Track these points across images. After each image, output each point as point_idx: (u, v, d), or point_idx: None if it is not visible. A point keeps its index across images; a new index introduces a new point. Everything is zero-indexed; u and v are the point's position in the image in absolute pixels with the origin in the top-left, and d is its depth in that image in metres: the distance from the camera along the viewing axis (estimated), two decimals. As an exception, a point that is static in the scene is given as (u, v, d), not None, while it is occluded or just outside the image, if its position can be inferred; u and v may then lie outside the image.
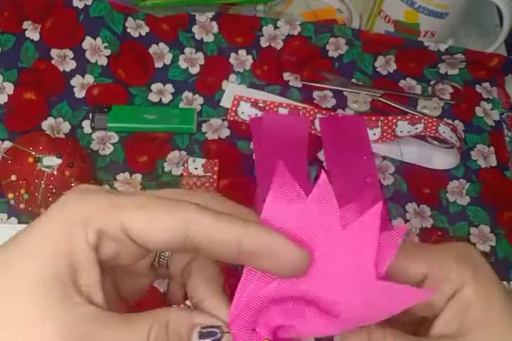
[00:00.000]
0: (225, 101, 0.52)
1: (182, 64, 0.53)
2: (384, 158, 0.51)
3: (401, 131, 0.51)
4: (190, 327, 0.21)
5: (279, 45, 0.55)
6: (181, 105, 0.52)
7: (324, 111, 0.53)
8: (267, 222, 0.21)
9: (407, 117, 0.51)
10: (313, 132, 0.52)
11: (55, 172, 0.43)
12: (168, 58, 0.53)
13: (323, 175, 0.22)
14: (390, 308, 0.21)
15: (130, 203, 0.20)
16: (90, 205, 0.20)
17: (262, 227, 0.20)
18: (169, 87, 0.52)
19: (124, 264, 0.22)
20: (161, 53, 0.53)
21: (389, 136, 0.51)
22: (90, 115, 0.49)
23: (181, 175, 0.48)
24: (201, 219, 0.20)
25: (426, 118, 0.51)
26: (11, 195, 0.43)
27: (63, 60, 0.51)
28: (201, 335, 0.20)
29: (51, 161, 0.44)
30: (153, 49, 0.53)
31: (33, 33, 0.51)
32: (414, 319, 0.26)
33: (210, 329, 0.21)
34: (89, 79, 0.51)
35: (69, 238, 0.20)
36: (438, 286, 0.23)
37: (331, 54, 0.56)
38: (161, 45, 0.54)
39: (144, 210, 0.20)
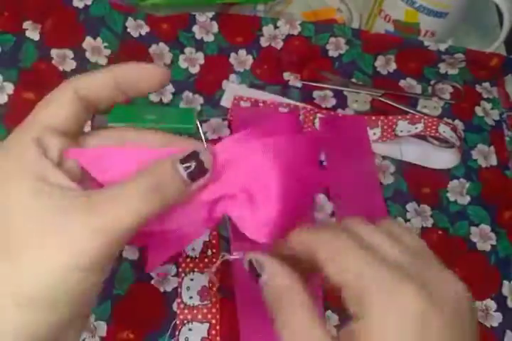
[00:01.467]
0: (225, 101, 0.52)
1: (182, 64, 0.53)
2: (384, 157, 0.51)
3: (401, 131, 0.51)
4: (172, 163, 0.25)
5: (279, 44, 0.55)
6: (181, 105, 0.52)
7: (324, 111, 0.53)
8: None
9: (407, 117, 0.52)
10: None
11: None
12: (168, 58, 0.53)
13: None
14: None
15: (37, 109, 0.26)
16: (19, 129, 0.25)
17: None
18: (169, 87, 0.52)
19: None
20: (161, 53, 0.53)
21: (389, 135, 0.51)
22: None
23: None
24: (82, 82, 0.27)
25: (426, 117, 0.51)
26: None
27: (63, 60, 0.51)
28: (183, 162, 0.25)
29: (51, 161, 0.44)
30: (153, 49, 0.53)
31: (33, 33, 0.51)
32: None
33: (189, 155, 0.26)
34: (90, 79, 0.51)
35: (25, 157, 0.24)
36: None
37: (331, 54, 0.56)
38: (161, 44, 0.54)
39: (48, 106, 0.26)
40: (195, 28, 0.54)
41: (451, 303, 0.23)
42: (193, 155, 0.25)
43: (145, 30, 0.53)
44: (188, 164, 0.25)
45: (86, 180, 0.25)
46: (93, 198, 0.23)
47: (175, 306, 0.42)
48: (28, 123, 0.25)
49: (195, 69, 0.53)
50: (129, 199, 0.23)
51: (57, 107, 0.26)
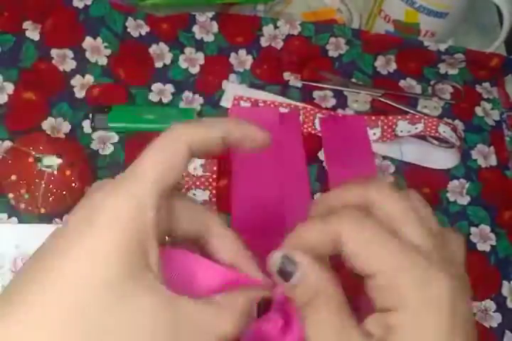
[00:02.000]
0: (225, 101, 0.52)
1: (182, 64, 0.53)
2: (384, 157, 0.51)
3: (401, 131, 0.51)
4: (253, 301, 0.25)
5: (279, 44, 0.55)
6: (181, 105, 0.52)
7: (324, 111, 0.53)
8: None
9: (407, 117, 0.52)
10: (313, 132, 0.52)
11: (55, 172, 0.43)
12: (168, 58, 0.53)
13: None
14: None
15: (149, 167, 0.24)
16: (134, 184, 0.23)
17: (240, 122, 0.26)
18: (169, 87, 0.52)
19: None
20: (161, 53, 0.53)
21: (389, 135, 0.51)
22: (90, 115, 0.49)
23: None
24: (195, 136, 0.25)
25: (426, 117, 0.51)
26: (11, 195, 0.43)
27: (63, 59, 0.51)
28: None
29: (51, 161, 0.44)
30: (153, 49, 0.53)
31: (33, 33, 0.51)
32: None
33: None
34: (90, 79, 0.51)
35: (140, 216, 0.22)
36: None
37: (331, 54, 0.56)
38: (161, 44, 0.54)
39: (161, 162, 0.24)
40: (195, 28, 0.54)
41: (467, 283, 0.25)
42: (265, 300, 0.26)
43: (145, 30, 0.53)
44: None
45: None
46: (181, 317, 0.21)
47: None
48: (142, 184, 0.23)
49: (195, 70, 0.53)
50: (224, 324, 0.23)
51: (173, 170, 0.24)
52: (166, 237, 0.26)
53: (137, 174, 0.23)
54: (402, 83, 0.56)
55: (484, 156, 0.52)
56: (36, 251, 0.22)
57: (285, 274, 0.25)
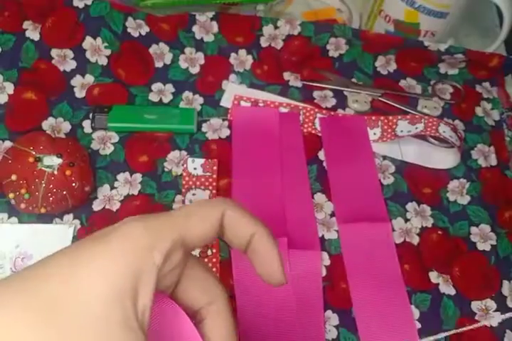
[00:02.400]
0: (225, 101, 0.52)
1: (182, 64, 0.53)
2: (384, 157, 0.51)
3: (401, 131, 0.51)
4: None
5: (279, 44, 0.55)
6: (181, 105, 0.52)
7: (324, 111, 0.53)
8: None
9: (408, 117, 0.52)
10: (313, 132, 0.52)
11: (55, 172, 0.43)
12: (168, 58, 0.53)
13: None
14: None
15: (181, 218, 0.23)
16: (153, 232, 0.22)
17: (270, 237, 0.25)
18: (169, 87, 0.52)
19: None
20: (161, 53, 0.53)
21: (389, 135, 0.51)
22: (90, 115, 0.49)
23: (181, 175, 0.48)
24: (233, 214, 0.24)
25: (426, 117, 0.51)
26: (11, 195, 0.43)
27: (63, 59, 0.51)
28: None
29: (51, 161, 0.44)
30: (153, 49, 0.53)
31: (33, 32, 0.51)
32: None
33: None
34: (90, 79, 0.51)
35: (138, 261, 0.21)
36: None
37: (331, 54, 0.56)
38: (161, 44, 0.54)
39: (191, 219, 0.23)
40: (195, 28, 0.54)
41: None
42: None
43: (145, 30, 0.53)
44: None
45: None
46: None
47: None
48: (168, 225, 0.23)
49: (195, 70, 0.53)
50: None
51: (203, 226, 0.23)
52: None
53: (166, 218, 0.23)
54: (402, 83, 0.56)
55: (484, 156, 0.52)
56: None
57: None
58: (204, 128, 0.51)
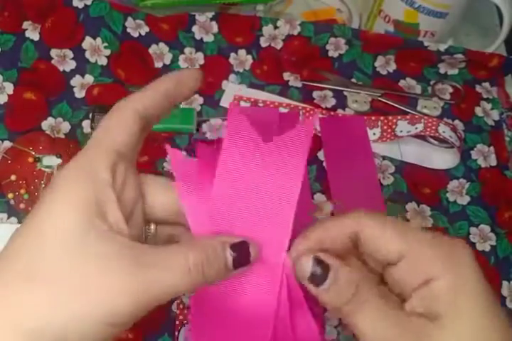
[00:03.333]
0: (225, 101, 0.52)
1: (182, 64, 0.53)
2: (384, 157, 0.51)
3: (401, 131, 0.51)
4: (223, 245, 0.25)
5: (279, 45, 0.55)
6: (181, 105, 0.52)
7: (324, 111, 0.53)
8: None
9: (407, 117, 0.52)
10: (313, 132, 0.52)
11: (55, 172, 0.43)
12: (168, 58, 0.53)
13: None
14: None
15: (102, 134, 0.26)
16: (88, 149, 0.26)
17: None
18: (169, 87, 0.52)
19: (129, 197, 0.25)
20: (161, 53, 0.53)
21: (389, 135, 0.51)
22: (90, 115, 0.49)
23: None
24: (141, 102, 0.27)
25: (426, 118, 0.51)
26: (10, 195, 0.43)
27: (63, 60, 0.51)
28: (233, 248, 0.25)
29: (51, 161, 0.44)
30: (153, 49, 0.53)
31: (33, 33, 0.51)
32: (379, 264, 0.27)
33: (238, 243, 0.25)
34: (89, 79, 0.51)
35: (95, 176, 0.24)
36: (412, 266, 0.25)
37: (330, 54, 0.56)
38: (161, 45, 0.54)
39: (110, 130, 0.26)
40: (194, 28, 0.54)
41: None
42: (243, 245, 0.25)
43: (145, 30, 0.53)
44: (235, 253, 0.25)
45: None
46: (140, 258, 0.23)
47: (174, 306, 0.42)
48: (95, 149, 0.25)
49: (195, 70, 0.53)
50: (174, 274, 0.23)
51: (122, 132, 0.25)
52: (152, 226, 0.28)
53: (91, 143, 0.26)
54: (401, 83, 0.56)
55: (484, 156, 0.52)
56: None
57: (315, 279, 0.25)
58: (204, 128, 0.51)
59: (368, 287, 0.25)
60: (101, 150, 0.25)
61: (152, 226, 0.27)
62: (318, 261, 0.25)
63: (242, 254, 0.25)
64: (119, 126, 0.25)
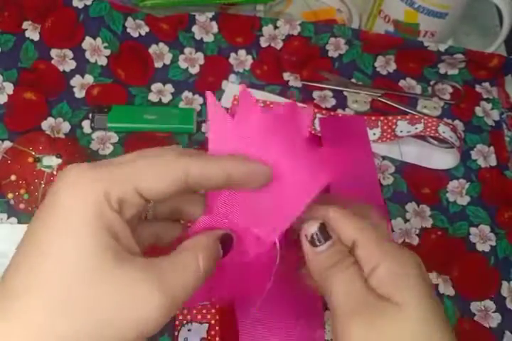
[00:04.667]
0: (225, 101, 0.52)
1: (182, 64, 0.53)
2: (384, 158, 0.51)
3: (401, 131, 0.51)
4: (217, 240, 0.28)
5: (278, 45, 0.55)
6: (181, 105, 0.52)
7: (324, 111, 0.53)
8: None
9: (407, 117, 0.52)
10: (313, 132, 0.52)
11: (54, 172, 0.43)
12: (168, 58, 0.53)
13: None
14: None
15: (136, 168, 0.24)
16: (104, 178, 0.24)
17: (244, 160, 0.27)
18: (169, 87, 0.52)
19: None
20: (160, 53, 0.53)
21: (389, 135, 0.51)
22: (90, 115, 0.49)
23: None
24: (195, 165, 0.25)
25: (426, 118, 0.51)
26: (10, 195, 0.43)
27: (63, 60, 0.51)
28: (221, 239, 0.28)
29: (51, 161, 0.44)
30: (153, 49, 0.53)
31: (33, 33, 0.51)
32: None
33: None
34: (89, 79, 0.51)
35: (103, 212, 0.23)
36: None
37: (330, 54, 0.56)
38: (161, 45, 0.54)
39: (151, 171, 0.24)
40: (194, 28, 0.54)
41: None
42: (229, 237, 0.29)
43: (145, 30, 0.53)
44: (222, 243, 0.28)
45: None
46: (161, 271, 0.24)
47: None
48: (118, 176, 0.24)
49: (195, 70, 0.53)
50: (189, 275, 0.25)
51: (158, 180, 0.24)
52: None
53: (120, 170, 0.24)
54: (401, 83, 0.56)
55: (484, 156, 0.52)
56: (20, 246, 0.24)
57: (314, 241, 0.29)
58: (204, 128, 0.51)
59: (349, 260, 0.29)
60: (123, 178, 0.24)
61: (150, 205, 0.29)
62: (323, 227, 0.29)
63: (226, 245, 0.28)
64: (158, 175, 0.24)
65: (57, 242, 0.22)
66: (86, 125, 0.49)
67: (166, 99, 0.52)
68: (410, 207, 0.49)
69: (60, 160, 0.44)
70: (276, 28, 0.55)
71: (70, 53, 0.52)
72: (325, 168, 0.29)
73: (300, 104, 0.52)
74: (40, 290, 0.21)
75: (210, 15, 0.54)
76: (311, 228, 0.29)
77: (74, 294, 0.21)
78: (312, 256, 0.29)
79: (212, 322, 0.41)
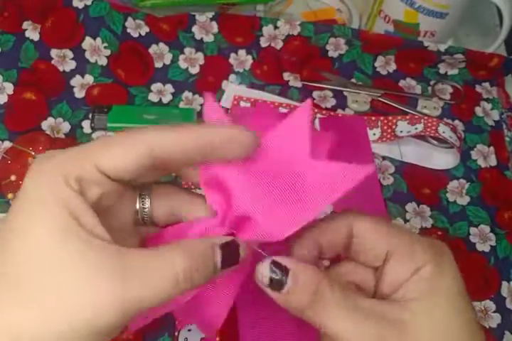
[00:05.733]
0: (225, 102, 0.52)
1: (182, 64, 0.53)
2: (384, 158, 0.51)
3: (401, 131, 0.51)
4: (212, 246, 0.24)
5: (278, 45, 0.55)
6: (181, 105, 0.52)
7: (324, 111, 0.53)
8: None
9: (407, 117, 0.52)
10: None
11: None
12: (168, 58, 0.53)
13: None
14: (336, 187, 0.26)
15: (95, 147, 0.23)
16: (62, 161, 0.23)
17: (214, 126, 0.25)
18: (169, 87, 0.52)
19: (108, 205, 0.25)
20: (160, 53, 0.53)
21: (389, 135, 0.51)
22: (90, 115, 0.49)
23: (181, 175, 0.48)
24: (160, 140, 0.23)
25: (426, 118, 0.51)
26: (10, 195, 0.43)
27: (63, 60, 0.51)
28: (222, 248, 0.24)
29: (51, 161, 0.44)
30: (153, 49, 0.53)
31: (33, 33, 0.51)
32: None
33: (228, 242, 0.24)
34: (89, 79, 0.51)
35: (59, 191, 0.22)
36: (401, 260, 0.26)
37: (330, 54, 0.56)
38: (161, 45, 0.54)
39: (110, 148, 0.23)
40: (194, 29, 0.54)
41: None
42: (232, 245, 0.24)
43: (145, 30, 0.53)
44: (223, 253, 0.24)
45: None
46: (127, 263, 0.21)
47: (174, 306, 0.42)
48: (76, 156, 0.23)
49: (195, 70, 0.53)
50: (162, 281, 0.22)
51: (121, 155, 0.23)
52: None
53: (73, 152, 0.24)
54: (401, 83, 0.56)
55: (484, 156, 0.52)
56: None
57: (275, 284, 0.24)
58: (204, 128, 0.51)
59: (330, 285, 0.25)
60: (82, 158, 0.23)
61: (147, 203, 0.27)
62: (276, 265, 0.24)
63: (231, 254, 0.24)
64: (120, 151, 0.23)
65: (17, 226, 0.22)
66: (86, 125, 0.49)
67: (166, 99, 0.52)
68: (410, 207, 0.49)
69: (60, 161, 0.44)
70: (276, 28, 0.55)
71: (70, 53, 0.52)
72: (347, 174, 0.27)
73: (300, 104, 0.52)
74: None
75: (210, 15, 0.54)
76: (265, 270, 0.24)
77: (29, 278, 0.21)
78: (283, 300, 0.25)
79: None
